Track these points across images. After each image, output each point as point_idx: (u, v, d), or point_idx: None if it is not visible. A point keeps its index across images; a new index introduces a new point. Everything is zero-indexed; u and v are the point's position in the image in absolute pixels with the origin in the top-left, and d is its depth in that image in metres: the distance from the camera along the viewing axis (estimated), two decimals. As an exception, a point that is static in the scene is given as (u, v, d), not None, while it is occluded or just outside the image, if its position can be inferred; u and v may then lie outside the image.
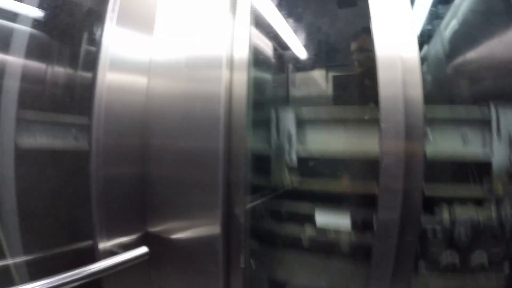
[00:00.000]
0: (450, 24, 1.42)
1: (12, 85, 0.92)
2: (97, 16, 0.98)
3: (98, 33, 0.94)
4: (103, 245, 0.93)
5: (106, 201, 0.89)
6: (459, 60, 1.37)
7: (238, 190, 0.92)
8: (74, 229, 0.99)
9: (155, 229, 1.01)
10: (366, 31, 1.55)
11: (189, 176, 0.92)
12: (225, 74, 0.88)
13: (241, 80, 0.90)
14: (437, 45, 1.42)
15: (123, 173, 0.92)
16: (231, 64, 0.90)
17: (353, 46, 1.45)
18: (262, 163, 1.18)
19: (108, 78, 0.87)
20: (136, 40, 0.95)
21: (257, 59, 1.00)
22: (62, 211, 0.97)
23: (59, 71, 0.96)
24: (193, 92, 0.91)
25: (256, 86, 1.01)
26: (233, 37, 0.92)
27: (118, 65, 0.89)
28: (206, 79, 0.90)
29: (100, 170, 0.86)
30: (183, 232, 0.98)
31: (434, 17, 1.35)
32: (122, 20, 0.91)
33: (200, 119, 0.88)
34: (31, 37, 0.94)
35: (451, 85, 1.34)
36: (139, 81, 0.94)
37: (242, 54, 0.92)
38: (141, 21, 0.96)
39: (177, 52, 0.95)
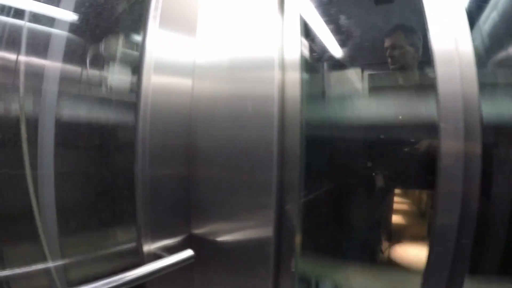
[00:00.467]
0: (490, 17, 1.37)
1: (51, 88, 0.88)
2: (136, 18, 0.94)
3: (137, 35, 0.90)
4: (148, 247, 0.90)
5: (151, 202, 0.87)
6: (501, 54, 1.32)
7: (291, 190, 0.89)
8: (117, 231, 0.96)
9: (200, 231, 0.98)
10: (401, 28, 1.50)
11: (238, 176, 0.90)
12: (277, 74, 0.85)
13: (294, 80, 0.87)
14: (478, 39, 1.37)
15: (168, 174, 0.90)
16: (282, 64, 0.87)
17: (387, 42, 1.41)
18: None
19: (153, 80, 0.85)
20: (179, 42, 0.93)
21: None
22: (106, 212, 0.94)
23: (97, 73, 0.92)
24: (243, 93, 0.88)
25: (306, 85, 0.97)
26: (283, 36, 0.89)
27: (163, 68, 0.88)
28: (257, 80, 0.87)
29: (145, 171, 0.84)
30: (230, 234, 0.95)
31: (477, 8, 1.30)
32: (165, 22, 0.89)
33: (251, 119, 0.85)
34: (70, 40, 0.90)
35: (494, 81, 1.30)
36: (184, 83, 0.92)
37: (294, 54, 0.88)
38: (183, 23, 0.94)
39: (223, 54, 0.93)
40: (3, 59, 0.82)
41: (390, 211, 1.16)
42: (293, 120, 0.86)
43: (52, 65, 0.91)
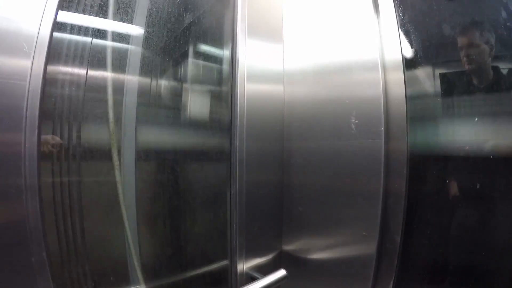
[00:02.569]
0: None
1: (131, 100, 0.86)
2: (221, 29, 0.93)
3: (223, 45, 0.88)
4: (240, 267, 0.84)
5: (247, 217, 0.81)
6: None
7: (397, 202, 0.80)
8: (207, 250, 0.90)
9: (291, 247, 0.92)
10: (476, 24, 1.40)
11: (338, 185, 0.83)
12: (381, 76, 0.79)
13: (397, 80, 0.80)
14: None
15: (263, 184, 0.87)
16: (384, 65, 0.81)
17: (462, 41, 1.33)
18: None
19: (247, 88, 0.83)
20: (268, 50, 0.92)
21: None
22: (196, 228, 0.89)
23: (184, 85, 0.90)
24: (342, 96, 0.82)
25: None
26: (381, 36, 0.83)
27: (255, 76, 0.86)
28: (358, 82, 0.81)
29: (242, 180, 0.80)
30: (324, 251, 0.88)
31: None
32: (253, 31, 0.89)
33: (354, 123, 0.79)
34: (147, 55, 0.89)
35: None
36: (275, 89, 0.90)
37: (395, 53, 0.82)
38: (270, 31, 0.93)
39: (315, 58, 0.90)
40: (92, 77, 0.78)
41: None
42: (399, 123, 0.79)
43: (132, 79, 0.88)
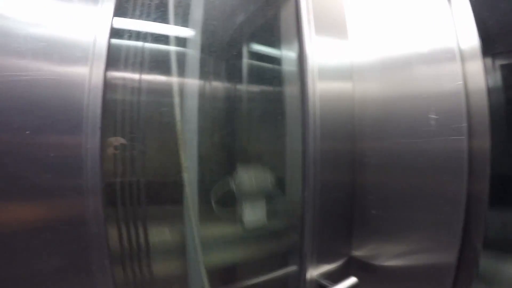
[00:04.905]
0: None
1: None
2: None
3: (287, 44, 0.86)
4: (310, 274, 0.80)
5: (320, 217, 0.77)
6: None
7: (479, 205, 0.75)
8: (274, 253, 0.86)
9: (361, 253, 0.88)
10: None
11: (416, 187, 0.78)
12: (459, 66, 0.74)
13: (476, 71, 0.75)
14: None
15: (335, 185, 0.83)
16: (461, 55, 0.76)
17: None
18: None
19: (318, 87, 0.82)
20: (335, 46, 0.89)
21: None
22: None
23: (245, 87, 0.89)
24: (418, 91, 0.78)
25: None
26: (455, 24, 0.79)
27: (325, 74, 0.84)
28: (436, 75, 0.77)
29: (316, 180, 0.77)
30: (397, 258, 0.83)
31: None
32: (319, 28, 0.87)
33: (433, 119, 0.74)
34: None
35: None
36: (345, 86, 0.87)
37: (472, 42, 0.77)
38: (334, 26, 0.91)
39: (385, 52, 0.87)
40: (152, 81, 0.80)
41: None
42: (481, 117, 0.74)
43: (193, 81, 0.87)
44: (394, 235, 0.84)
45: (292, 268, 0.83)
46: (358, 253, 0.90)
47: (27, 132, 0.70)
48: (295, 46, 0.84)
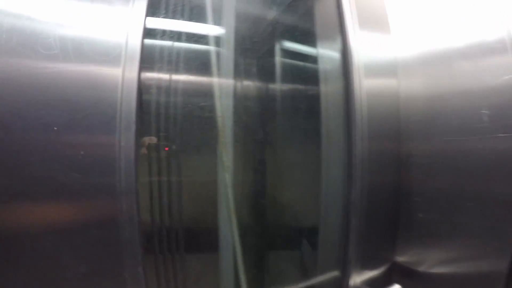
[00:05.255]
0: None
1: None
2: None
3: (328, 40, 0.82)
4: (354, 280, 0.75)
5: (366, 221, 0.72)
6: None
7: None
8: (316, 258, 0.81)
9: (405, 258, 0.83)
10: None
11: (466, 188, 0.73)
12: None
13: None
14: None
15: (382, 187, 0.78)
16: (512, 45, 0.71)
17: None
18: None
19: (365, 84, 0.77)
20: (379, 41, 0.85)
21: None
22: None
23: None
24: (468, 86, 0.73)
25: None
26: (505, 14, 0.73)
27: (370, 70, 0.80)
28: (487, 68, 0.72)
29: (363, 181, 0.73)
30: (444, 265, 0.78)
31: None
32: (362, 21, 0.82)
33: (487, 116, 0.69)
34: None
35: None
36: (390, 82, 0.83)
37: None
38: (377, 19, 0.87)
39: (430, 46, 0.82)
40: (187, 80, 0.78)
41: None
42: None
43: (228, 81, 0.83)
44: (441, 240, 0.79)
45: (333, 274, 0.78)
46: (401, 258, 0.85)
47: (54, 129, 0.65)
48: (337, 41, 0.79)
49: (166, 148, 0.68)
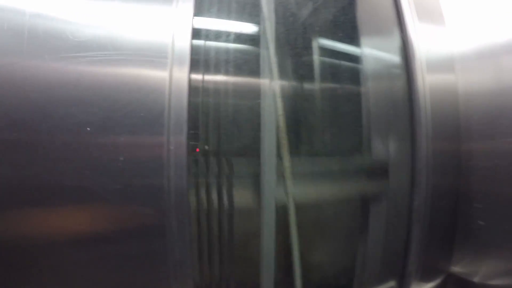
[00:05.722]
0: None
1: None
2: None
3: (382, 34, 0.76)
4: (408, 292, 0.69)
5: (428, 229, 0.66)
6: None
7: None
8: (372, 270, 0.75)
9: (461, 269, 0.77)
10: None
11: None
12: None
13: None
14: None
15: (443, 191, 0.71)
16: None
17: None
18: None
19: (428, 80, 0.71)
20: (437, 33, 0.79)
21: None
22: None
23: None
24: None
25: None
26: None
27: (432, 65, 0.74)
28: None
29: (427, 186, 0.66)
30: (503, 276, 0.73)
31: None
32: (420, 13, 0.77)
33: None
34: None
35: None
36: (449, 78, 0.76)
37: None
38: (432, 10, 0.81)
39: (491, 38, 0.76)
40: (235, 81, 0.73)
41: None
42: None
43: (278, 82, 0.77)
44: (500, 249, 0.74)
45: (389, 285, 0.72)
46: (457, 269, 0.79)
47: (87, 129, 0.57)
48: (393, 35, 0.72)
49: (215, 152, 0.61)
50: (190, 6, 0.60)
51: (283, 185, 0.62)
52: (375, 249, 0.70)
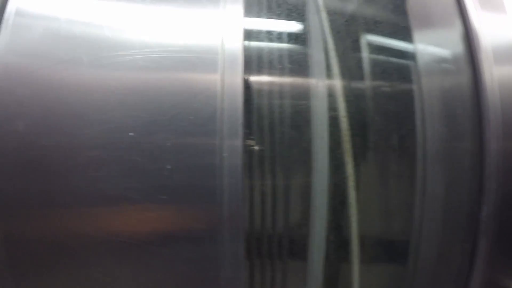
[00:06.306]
0: None
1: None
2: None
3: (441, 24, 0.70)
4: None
5: (496, 244, 0.60)
6: None
7: None
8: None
9: None
10: None
11: None
12: None
13: None
14: None
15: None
16: None
17: None
18: None
19: (495, 72, 0.64)
20: (501, 21, 0.72)
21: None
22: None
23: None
24: None
25: None
26: None
27: (500, 55, 0.66)
28: None
29: (496, 195, 0.59)
30: None
31: None
32: (482, 2, 0.70)
33: None
34: None
35: None
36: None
37: None
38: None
39: None
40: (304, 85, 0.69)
41: None
42: None
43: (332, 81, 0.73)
44: None
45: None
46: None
47: (130, 134, 0.53)
48: (454, 24, 0.66)
49: (268, 154, 0.56)
50: (239, 8, 0.59)
51: (345, 195, 0.56)
52: (435, 263, 0.65)
